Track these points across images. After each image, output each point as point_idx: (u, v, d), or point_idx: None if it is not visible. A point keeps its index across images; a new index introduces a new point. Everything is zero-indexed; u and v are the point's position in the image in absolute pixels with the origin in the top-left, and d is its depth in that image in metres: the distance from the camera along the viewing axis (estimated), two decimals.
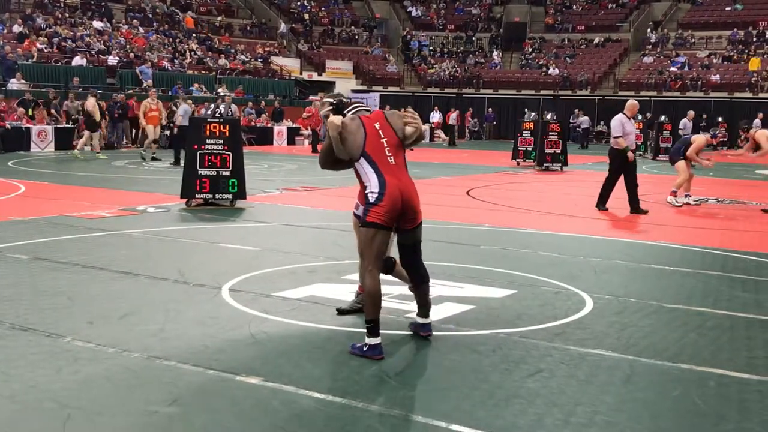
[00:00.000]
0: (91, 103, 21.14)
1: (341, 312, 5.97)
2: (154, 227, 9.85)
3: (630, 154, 12.09)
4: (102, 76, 29.07)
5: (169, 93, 28.67)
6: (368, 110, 5.44)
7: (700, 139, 13.72)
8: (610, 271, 7.99)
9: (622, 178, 12.30)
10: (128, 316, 5.75)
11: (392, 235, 5.29)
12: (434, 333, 5.47)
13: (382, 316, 5.25)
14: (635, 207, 12.20)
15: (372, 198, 5.05)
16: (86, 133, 21.48)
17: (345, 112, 5.38)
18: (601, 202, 12.56)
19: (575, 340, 5.44)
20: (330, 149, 5.32)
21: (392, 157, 5.14)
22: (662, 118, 27.52)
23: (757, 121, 31.50)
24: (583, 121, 35.54)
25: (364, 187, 5.17)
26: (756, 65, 37.35)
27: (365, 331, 5.01)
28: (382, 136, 5.17)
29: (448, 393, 4.42)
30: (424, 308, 5.44)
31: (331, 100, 5.58)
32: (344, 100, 5.58)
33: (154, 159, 20.32)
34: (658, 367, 4.94)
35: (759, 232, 11.06)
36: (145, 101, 21.09)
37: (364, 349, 4.97)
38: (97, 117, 21.41)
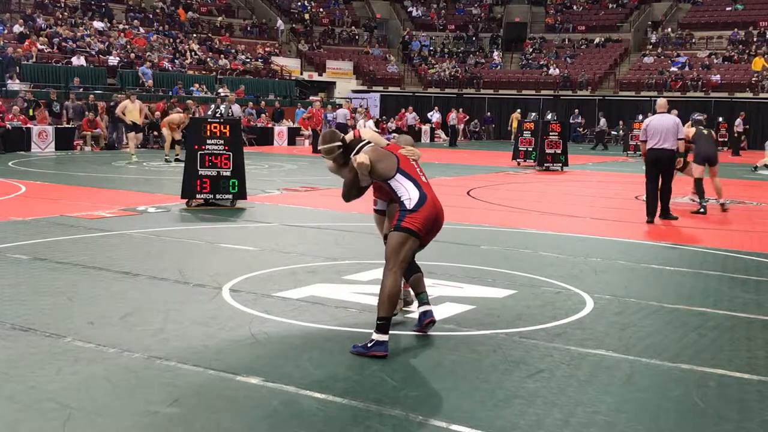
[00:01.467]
0: (123, 105, 20.77)
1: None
2: (155, 227, 9.85)
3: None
4: (102, 76, 29.08)
5: (170, 93, 28.69)
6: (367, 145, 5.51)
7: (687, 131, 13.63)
8: (611, 271, 7.99)
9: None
10: (128, 317, 5.75)
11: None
12: (434, 333, 5.47)
13: None
14: (668, 212, 11.74)
15: (410, 205, 5.11)
16: (130, 134, 21.12)
17: (358, 147, 5.46)
18: (666, 211, 11.69)
19: (576, 340, 5.44)
20: (354, 182, 5.39)
21: (424, 177, 5.32)
22: None
23: (738, 120, 31.48)
24: (602, 122, 35.68)
25: (399, 197, 5.20)
26: (760, 65, 37.33)
27: (374, 328, 4.99)
28: (412, 159, 5.36)
29: (448, 393, 4.42)
30: (421, 295, 5.48)
31: (338, 143, 5.51)
32: (339, 135, 5.59)
33: (177, 160, 19.88)
34: (658, 367, 4.94)
35: (759, 232, 11.07)
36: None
37: (369, 345, 4.98)
38: (133, 119, 20.80)
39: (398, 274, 5.08)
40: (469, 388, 4.48)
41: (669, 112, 11.79)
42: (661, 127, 11.36)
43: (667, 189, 11.63)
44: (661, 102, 11.92)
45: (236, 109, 25.75)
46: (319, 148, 5.67)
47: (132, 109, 20.71)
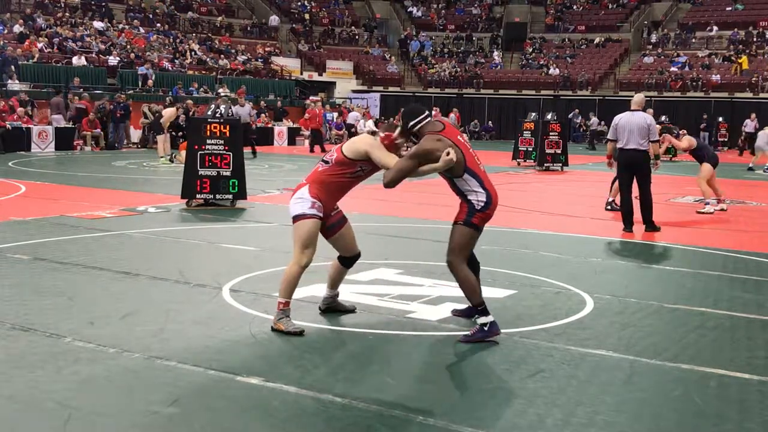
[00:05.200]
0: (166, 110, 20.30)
1: (323, 312, 6.02)
2: (155, 227, 9.85)
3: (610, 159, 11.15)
4: (102, 76, 29.07)
5: (170, 93, 28.68)
6: (428, 119, 5.47)
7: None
8: (611, 271, 7.99)
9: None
10: (129, 317, 5.75)
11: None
12: (434, 333, 5.47)
13: (384, 315, 5.47)
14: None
15: (479, 206, 5.37)
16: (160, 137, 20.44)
17: (412, 125, 5.45)
18: (650, 222, 10.65)
19: (576, 340, 5.44)
20: (410, 172, 5.34)
21: (481, 165, 5.49)
22: (663, 118, 27.52)
23: (747, 121, 31.38)
24: (593, 121, 35.66)
25: (464, 195, 5.40)
26: (747, 64, 37.39)
27: (477, 314, 5.33)
28: (469, 146, 5.49)
29: (448, 393, 4.42)
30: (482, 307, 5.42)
31: (397, 124, 5.63)
32: (393, 122, 5.84)
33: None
34: (658, 367, 4.94)
35: (759, 232, 11.06)
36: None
37: (485, 328, 5.28)
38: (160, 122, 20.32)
39: (465, 263, 5.44)
40: (469, 388, 4.48)
41: (644, 110, 10.78)
42: (630, 125, 10.32)
43: (646, 198, 10.57)
44: (637, 98, 10.76)
45: (237, 110, 25.12)
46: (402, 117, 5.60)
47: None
